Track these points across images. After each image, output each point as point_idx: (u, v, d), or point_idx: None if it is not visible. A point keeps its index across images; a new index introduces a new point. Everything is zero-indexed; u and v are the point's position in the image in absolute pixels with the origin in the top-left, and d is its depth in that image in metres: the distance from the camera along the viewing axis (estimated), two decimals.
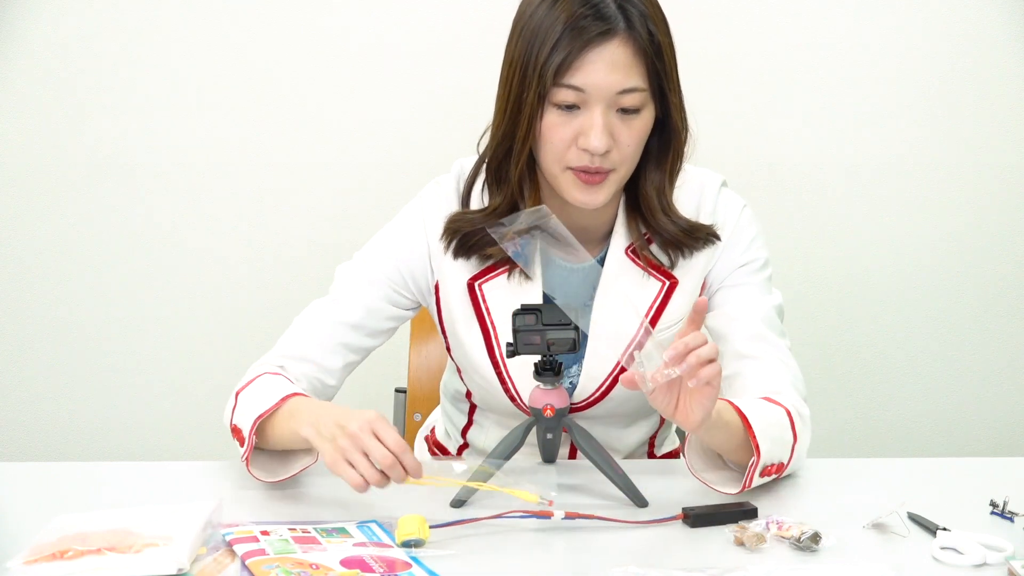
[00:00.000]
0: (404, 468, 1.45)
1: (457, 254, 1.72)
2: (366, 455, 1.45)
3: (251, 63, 2.78)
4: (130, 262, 2.84)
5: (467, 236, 1.71)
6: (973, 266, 2.90)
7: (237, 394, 1.67)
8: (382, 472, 1.45)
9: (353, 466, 1.45)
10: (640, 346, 1.44)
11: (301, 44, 2.78)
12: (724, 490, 1.55)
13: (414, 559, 1.35)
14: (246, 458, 1.58)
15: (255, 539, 1.37)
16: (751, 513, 1.49)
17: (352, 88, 2.79)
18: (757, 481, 1.55)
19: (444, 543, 1.39)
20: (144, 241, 2.83)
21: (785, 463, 1.59)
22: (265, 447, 1.62)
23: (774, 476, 1.59)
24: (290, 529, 1.41)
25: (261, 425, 1.58)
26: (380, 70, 2.78)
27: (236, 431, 1.63)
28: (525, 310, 1.53)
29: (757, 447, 1.52)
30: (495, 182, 1.71)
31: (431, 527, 1.40)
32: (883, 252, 2.89)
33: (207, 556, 1.36)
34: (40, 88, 2.76)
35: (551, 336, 1.51)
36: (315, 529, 1.42)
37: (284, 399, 1.59)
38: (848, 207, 2.86)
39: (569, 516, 1.43)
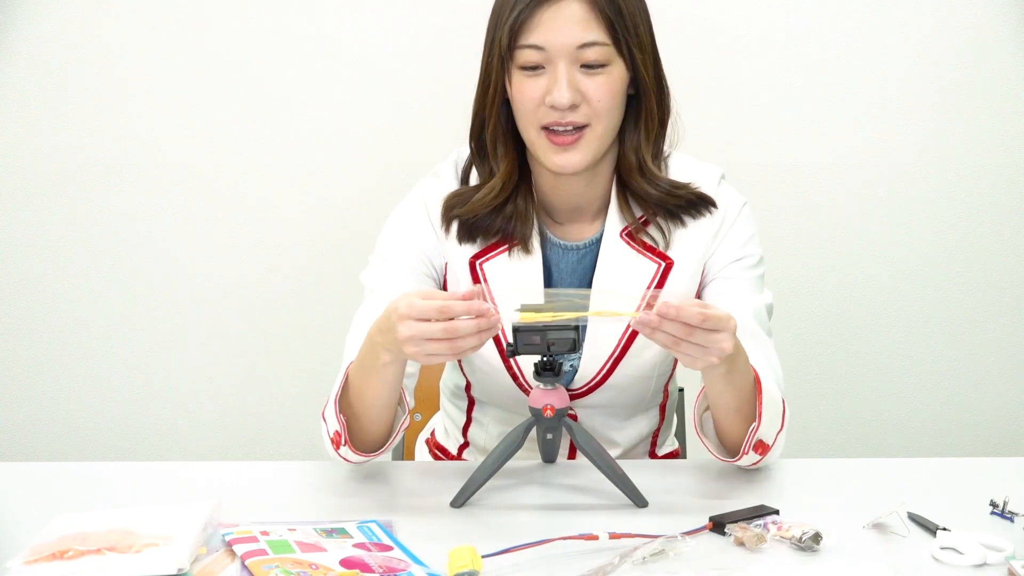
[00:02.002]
0: (474, 315, 1.42)
1: (461, 239, 1.75)
2: (433, 340, 1.42)
3: (244, 65, 2.78)
4: (130, 262, 2.84)
5: (464, 218, 1.73)
6: (973, 266, 2.90)
7: (322, 415, 1.65)
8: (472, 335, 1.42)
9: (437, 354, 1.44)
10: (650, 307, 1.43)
11: (292, 47, 2.78)
12: (720, 456, 1.62)
13: (413, 557, 1.35)
14: (346, 439, 1.57)
15: (255, 539, 1.37)
16: (774, 514, 1.48)
17: (345, 89, 2.79)
18: (747, 459, 1.58)
19: (496, 572, 1.34)
20: (144, 241, 2.83)
21: (769, 445, 1.61)
22: (360, 421, 1.61)
23: (757, 459, 1.60)
24: (290, 529, 1.41)
25: (346, 405, 1.58)
26: (370, 71, 2.79)
27: (336, 437, 1.61)
28: (525, 310, 1.53)
29: (760, 414, 1.57)
30: (479, 159, 1.75)
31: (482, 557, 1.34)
32: (883, 252, 2.89)
33: (207, 556, 1.36)
34: (40, 88, 2.77)
35: (551, 336, 1.51)
36: (315, 529, 1.42)
37: (345, 371, 1.61)
38: (848, 207, 2.86)
39: (613, 537, 1.42)
